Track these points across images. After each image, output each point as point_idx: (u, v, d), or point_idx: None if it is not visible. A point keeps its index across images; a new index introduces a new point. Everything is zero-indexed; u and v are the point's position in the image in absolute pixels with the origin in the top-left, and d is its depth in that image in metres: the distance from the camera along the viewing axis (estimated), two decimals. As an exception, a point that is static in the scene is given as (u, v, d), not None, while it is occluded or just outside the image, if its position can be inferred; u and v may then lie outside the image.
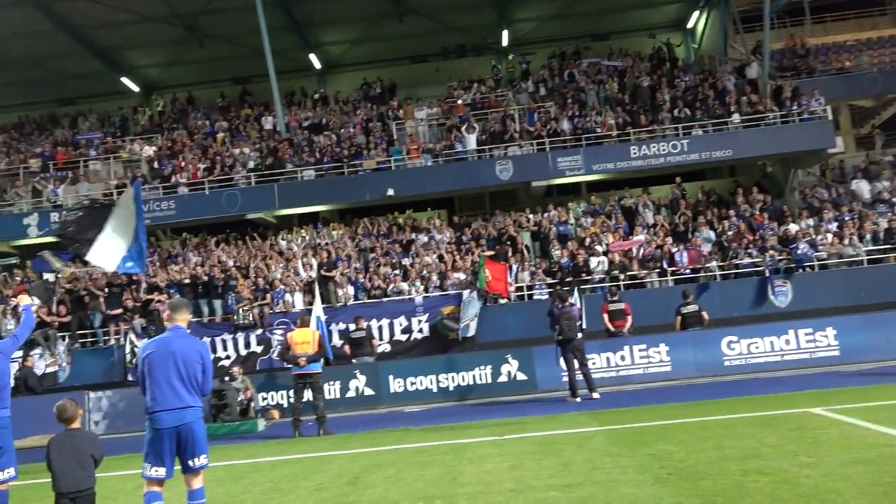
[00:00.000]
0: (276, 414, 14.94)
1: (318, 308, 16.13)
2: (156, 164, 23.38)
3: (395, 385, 15.33)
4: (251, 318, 17.92)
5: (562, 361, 13.44)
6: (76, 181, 22.96)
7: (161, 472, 5.70)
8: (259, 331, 17.95)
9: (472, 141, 22.17)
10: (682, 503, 5.78)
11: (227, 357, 17.92)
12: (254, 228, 23.07)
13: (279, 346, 17.60)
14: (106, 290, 18.76)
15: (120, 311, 18.13)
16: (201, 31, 25.83)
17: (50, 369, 17.89)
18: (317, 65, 28.31)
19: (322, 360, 12.28)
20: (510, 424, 10.97)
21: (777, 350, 14.94)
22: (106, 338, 18.46)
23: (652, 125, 22.13)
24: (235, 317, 18.00)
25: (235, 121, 26.09)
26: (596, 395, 13.04)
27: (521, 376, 15.11)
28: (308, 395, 12.21)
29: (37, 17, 23.77)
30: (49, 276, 20.45)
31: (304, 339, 11.90)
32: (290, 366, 12.26)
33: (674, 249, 18.62)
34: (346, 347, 15.97)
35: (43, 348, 18.08)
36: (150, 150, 24.01)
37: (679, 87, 23.98)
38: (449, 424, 11.68)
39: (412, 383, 15.34)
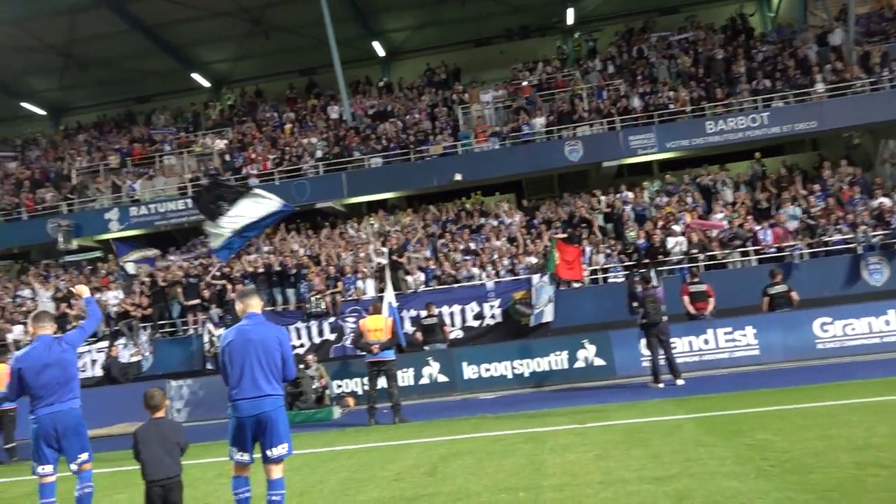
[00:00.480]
0: (350, 401, 14.85)
1: (389, 295, 15.97)
2: (227, 157, 23.65)
3: (469, 372, 15.02)
4: (323, 307, 17.90)
5: (642, 345, 12.85)
6: (152, 176, 23.47)
7: (245, 457, 5.69)
8: (332, 318, 17.92)
9: (539, 122, 21.58)
10: (792, 499, 5.26)
11: (301, 345, 17.96)
12: (323, 218, 23.13)
13: (352, 334, 17.68)
14: (184, 280, 19.03)
15: (197, 301, 18.39)
16: (267, 24, 25.96)
17: (134, 359, 18.31)
18: (380, 52, 28.13)
19: (395, 348, 12.02)
20: (591, 412, 10.51)
21: (876, 332, 13.92)
22: (185, 328, 18.78)
23: (728, 99, 21.06)
24: (308, 305, 18.02)
25: (302, 111, 26.18)
26: (680, 382, 12.42)
27: (598, 362, 14.57)
28: (382, 382, 12.01)
29: (113, 19, 24.30)
30: (129, 267, 20.94)
31: (377, 327, 11.70)
32: (363, 353, 12.06)
33: (757, 228, 17.65)
34: (418, 334, 15.75)
35: (127, 338, 18.52)
36: (221, 144, 24.33)
37: (756, 58, 22.75)
38: (527, 412, 11.29)
39: (486, 370, 15.00)
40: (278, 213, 15.93)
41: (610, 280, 17.87)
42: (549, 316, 16.82)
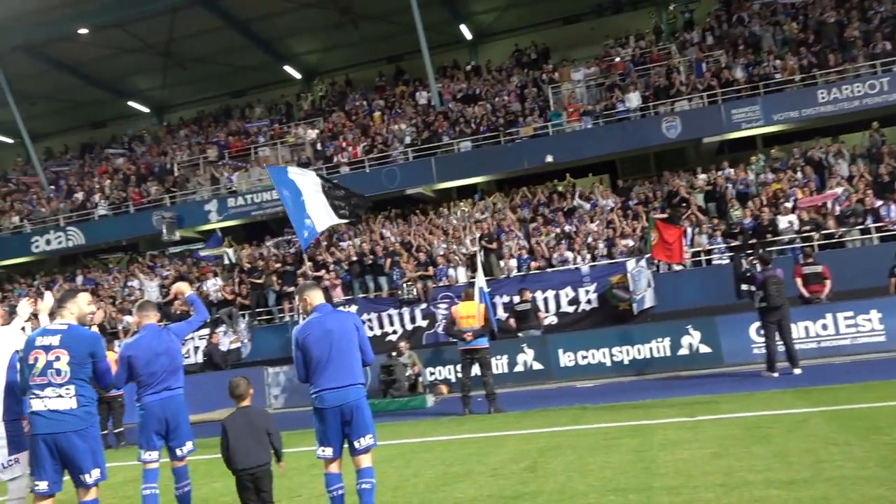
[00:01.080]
0: (444, 389, 14.53)
1: (480, 280, 15.50)
2: (318, 147, 23.76)
3: (566, 359, 14.39)
4: (415, 293, 17.64)
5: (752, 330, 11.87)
6: (248, 168, 23.88)
7: (328, 451, 5.49)
8: (423, 305, 17.64)
9: (634, 99, 20.53)
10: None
11: (394, 332, 17.80)
12: (413, 204, 22.89)
13: (444, 321, 17.34)
14: (279, 268, 19.21)
15: (293, 288, 18.48)
16: (354, 13, 25.88)
17: (233, 346, 18.65)
18: (467, 35, 27.57)
19: (489, 335, 11.55)
20: (700, 403, 9.72)
21: None
22: (281, 315, 18.96)
23: (843, 65, 19.36)
24: (400, 292, 17.82)
25: (391, 99, 26.00)
26: (797, 371, 11.38)
27: (704, 349, 13.63)
28: (476, 370, 11.57)
29: (208, 16, 24.82)
30: (228, 252, 21.34)
31: (470, 313, 11.25)
32: (456, 341, 11.64)
33: (878, 203, 16.13)
34: (512, 321, 15.21)
35: (227, 326, 18.89)
36: (312, 134, 24.46)
37: (874, 20, 20.81)
38: (630, 402, 10.59)
39: (583, 357, 14.32)
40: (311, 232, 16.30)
41: (714, 262, 16.78)
42: (650, 301, 15.96)
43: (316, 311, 5.67)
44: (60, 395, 5.16)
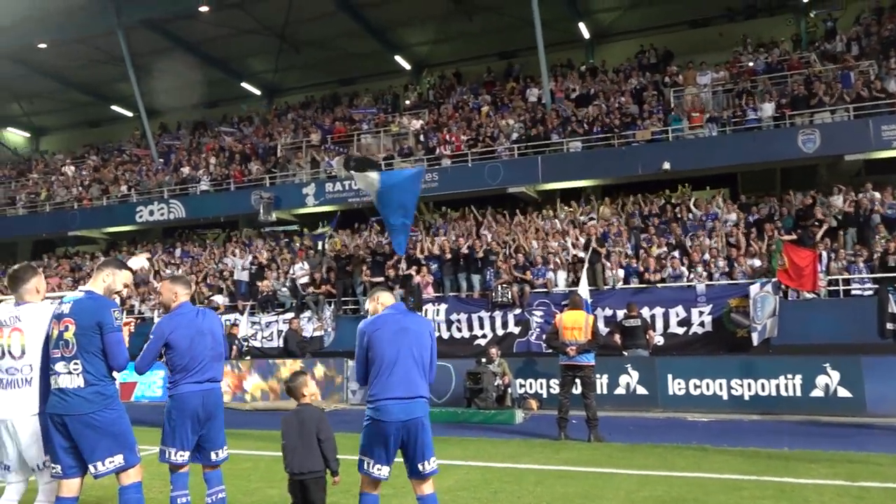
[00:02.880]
0: (534, 404, 12.92)
1: (583, 289, 13.83)
2: (422, 138, 22.61)
3: (675, 386, 12.48)
4: (510, 297, 16.12)
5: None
6: (349, 154, 22.99)
7: (384, 471, 4.72)
8: (518, 310, 16.10)
9: (768, 108, 18.26)
10: None
11: (484, 336, 16.34)
12: (514, 204, 21.34)
13: (538, 330, 15.75)
14: (369, 258, 18.09)
15: (381, 279, 17.33)
16: (470, 4, 24.61)
17: (317, 333, 17.71)
18: (585, 34, 25.76)
19: (595, 351, 9.88)
20: (856, 463, 7.75)
21: None
22: (367, 306, 17.80)
23: None
24: (494, 294, 16.33)
25: (500, 94, 24.56)
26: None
27: (843, 392, 11.44)
28: (576, 389, 9.91)
29: (324, 1, 24.14)
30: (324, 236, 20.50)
31: (576, 324, 9.61)
32: (556, 353, 10.00)
33: None
34: (616, 336, 13.40)
35: (312, 312, 17.95)
36: (417, 124, 23.34)
37: None
38: (760, 449, 8.69)
39: (696, 386, 12.38)
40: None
41: (853, 293, 14.45)
42: (771, 331, 13.83)
43: (390, 308, 4.97)
44: (69, 372, 4.35)
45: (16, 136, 36.15)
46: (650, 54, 23.99)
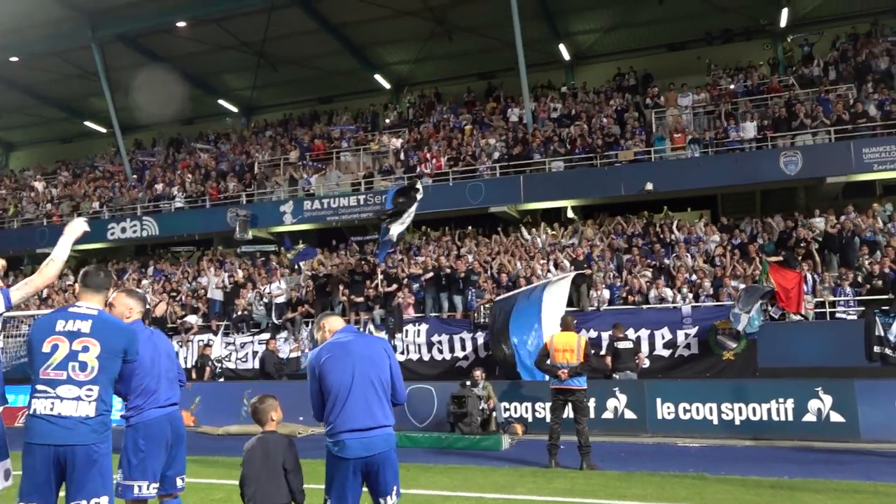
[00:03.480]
0: (519, 429, 12.37)
1: (557, 307, 13.52)
2: (402, 156, 22.18)
3: (664, 410, 12.03)
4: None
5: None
6: (326, 172, 22.49)
7: None
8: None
9: (750, 127, 18.15)
10: None
11: (465, 357, 15.80)
12: (494, 224, 20.93)
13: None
14: (348, 277, 17.51)
15: (361, 299, 16.76)
16: (450, 24, 24.39)
17: (293, 354, 17.02)
18: (565, 56, 25.66)
19: (587, 374, 9.40)
20: (863, 493, 7.34)
21: None
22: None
23: None
24: (476, 314, 15.82)
25: (481, 114, 24.27)
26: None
27: (836, 417, 11.06)
28: (568, 414, 9.41)
29: (303, 18, 23.76)
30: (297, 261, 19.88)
31: (568, 346, 9.14)
32: (547, 378, 9.49)
33: None
34: (608, 359, 12.94)
35: (289, 333, 17.29)
36: (397, 143, 22.92)
37: None
38: (762, 478, 8.24)
39: (685, 410, 11.94)
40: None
41: (838, 315, 14.21)
42: (754, 325, 13.51)
43: (341, 332, 4.52)
44: (79, 398, 3.79)
45: (-16, 152, 35.09)
46: (629, 76, 23.91)
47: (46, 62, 26.18)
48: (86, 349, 3.81)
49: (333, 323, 4.65)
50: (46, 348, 3.82)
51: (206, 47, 25.45)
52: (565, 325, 9.55)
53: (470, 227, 20.73)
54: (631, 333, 14.26)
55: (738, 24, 24.32)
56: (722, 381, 12.55)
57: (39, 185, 27.54)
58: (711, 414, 11.78)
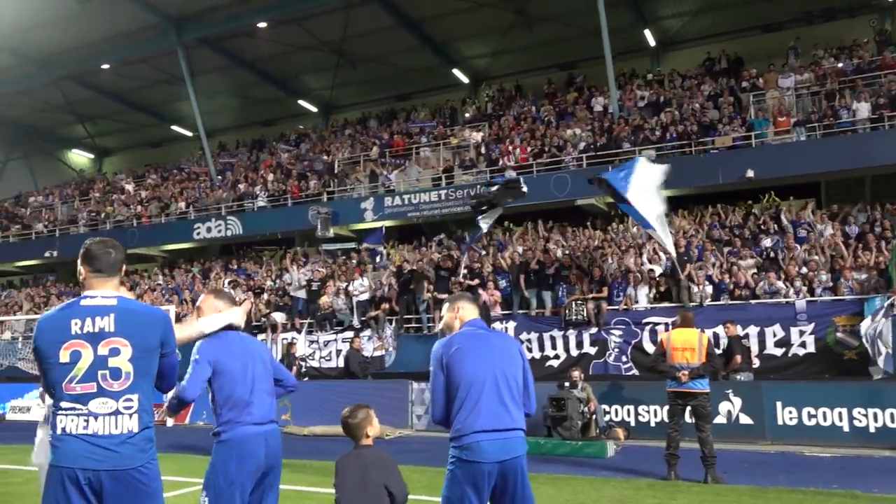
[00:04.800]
0: (621, 434, 11.38)
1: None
2: (483, 150, 21.38)
3: (786, 415, 10.79)
4: (585, 314, 14.60)
5: None
6: (406, 168, 21.94)
7: None
8: (593, 329, 14.55)
9: (863, 108, 16.47)
10: None
11: (556, 357, 14.84)
12: (580, 218, 19.85)
13: (616, 350, 14.22)
14: (433, 273, 16.81)
15: (447, 296, 15.98)
16: (530, 15, 23.43)
17: (377, 353, 16.46)
18: (651, 42, 24.29)
19: (710, 376, 8.33)
20: None
21: None
22: (430, 324, 16.51)
23: None
24: (567, 311, 14.84)
25: (562, 105, 23.21)
26: None
27: None
28: (687, 419, 8.36)
29: (382, 15, 23.28)
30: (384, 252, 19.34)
31: (688, 345, 8.08)
32: (665, 378, 8.42)
33: None
34: (738, 358, 11.72)
35: (372, 331, 16.74)
36: (477, 137, 22.13)
37: None
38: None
39: (811, 415, 10.66)
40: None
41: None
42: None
43: (469, 325, 3.87)
44: (117, 412, 2.96)
45: (80, 158, 36.29)
46: (720, 60, 22.34)
47: (135, 69, 26.67)
48: (115, 352, 2.99)
49: (468, 310, 3.91)
50: (65, 357, 2.96)
51: (286, 48, 25.33)
52: (684, 321, 8.47)
53: (550, 222, 19.72)
54: (738, 331, 12.99)
55: (841, 1, 22.39)
56: (853, 384, 11.18)
57: (129, 187, 28.09)
58: (841, 420, 10.46)
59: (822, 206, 18.36)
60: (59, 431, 2.96)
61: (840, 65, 18.53)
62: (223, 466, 3.73)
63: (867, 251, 14.03)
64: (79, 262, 3.17)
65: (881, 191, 18.43)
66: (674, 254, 13.84)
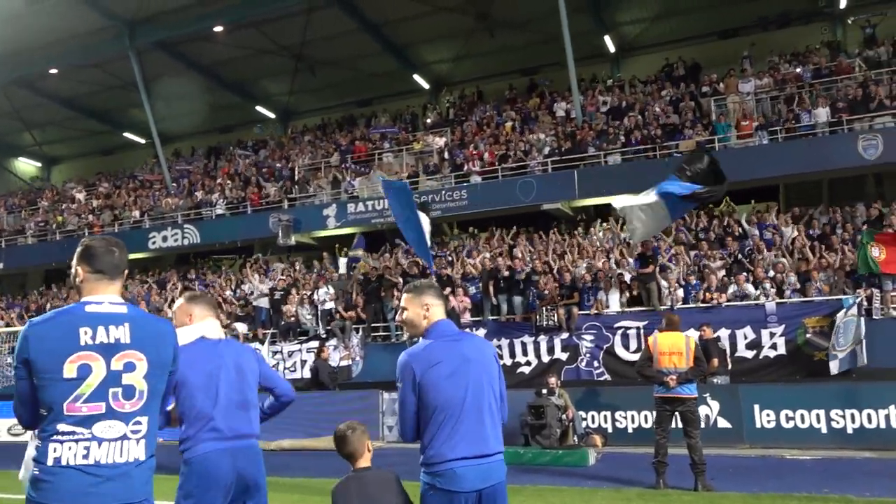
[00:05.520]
0: (598, 441, 11.06)
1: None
2: (447, 155, 21.02)
3: (763, 418, 10.64)
4: (556, 320, 14.33)
5: None
6: (369, 174, 21.44)
7: None
8: (565, 335, 14.27)
9: (822, 112, 16.64)
10: None
11: (528, 363, 14.53)
12: (546, 222, 19.62)
13: (588, 356, 13.97)
14: (400, 280, 16.32)
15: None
16: (492, 20, 23.21)
17: (344, 363, 15.89)
18: (610, 48, 24.32)
19: (698, 380, 8.06)
20: None
21: None
22: (399, 332, 16.01)
23: None
24: (538, 317, 14.54)
25: (524, 111, 23.01)
26: None
27: (969, 423, 9.59)
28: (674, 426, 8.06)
29: (342, 18, 22.75)
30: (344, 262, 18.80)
31: (675, 349, 7.80)
32: (652, 384, 8.11)
33: None
34: (715, 361, 11.52)
35: (338, 340, 16.16)
36: (440, 142, 21.77)
37: None
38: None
39: (788, 418, 10.53)
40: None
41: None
42: (860, 359, 11.91)
43: (439, 331, 3.33)
44: (125, 437, 2.53)
45: (27, 166, 34.66)
46: (678, 66, 22.46)
47: (86, 73, 25.61)
48: (130, 367, 2.56)
49: (436, 309, 3.35)
50: (70, 372, 2.45)
51: (244, 52, 24.59)
52: (670, 324, 8.17)
53: (514, 227, 19.45)
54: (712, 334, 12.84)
55: (796, 8, 22.75)
56: (829, 385, 11.12)
57: (80, 196, 26.89)
58: (819, 422, 10.36)
59: (780, 209, 18.53)
60: (50, 462, 2.44)
61: (798, 70, 18.71)
62: (185, 486, 3.34)
63: (831, 252, 14.09)
64: (75, 261, 2.71)
65: (839, 193, 18.73)
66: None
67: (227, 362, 3.55)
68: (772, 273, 13.92)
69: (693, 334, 12.18)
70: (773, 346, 12.96)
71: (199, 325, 3.59)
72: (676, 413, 7.84)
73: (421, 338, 3.38)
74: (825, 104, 16.77)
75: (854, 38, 21.81)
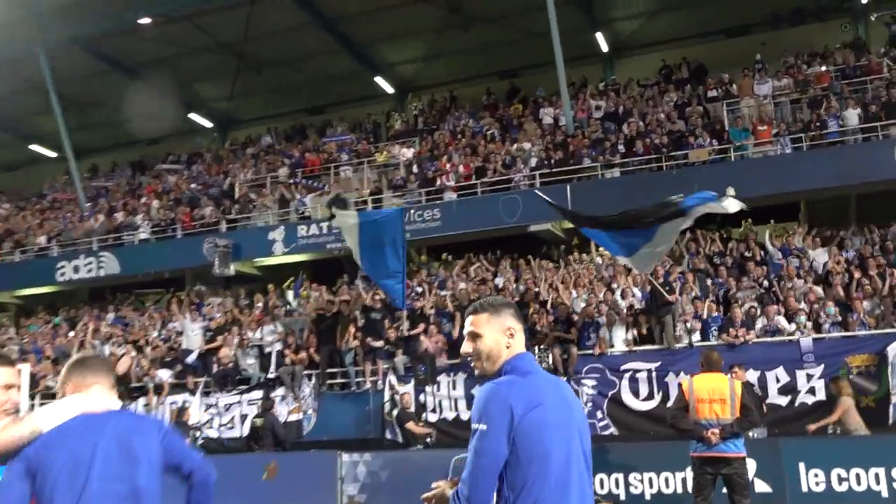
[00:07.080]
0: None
1: None
2: (415, 169, 20.28)
3: (811, 480, 9.81)
4: (550, 361, 13.51)
5: None
6: (323, 192, 20.60)
7: None
8: (562, 379, 13.42)
9: (852, 115, 16.31)
10: None
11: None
12: (534, 246, 18.89)
13: (590, 404, 13.15)
14: (362, 316, 15.38)
15: (380, 343, 14.59)
16: (466, 14, 22.70)
17: (293, 417, 14.87)
18: (603, 48, 23.99)
19: (745, 435, 7.23)
20: None
21: None
22: (359, 379, 14.99)
23: None
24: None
25: (505, 118, 22.46)
26: None
27: None
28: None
29: (292, 11, 22.04)
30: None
31: (717, 395, 6.96)
32: (691, 441, 7.24)
33: None
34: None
35: (287, 389, 15.09)
36: (408, 153, 21.05)
37: None
38: None
39: (841, 479, 9.71)
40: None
41: None
42: None
43: (529, 365, 2.89)
44: None
45: None
46: (681, 67, 22.18)
47: (-17, 75, 24.43)
48: None
49: (520, 337, 2.92)
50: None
51: (176, 49, 23.72)
52: (709, 364, 7.34)
53: (498, 252, 18.70)
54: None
55: (810, 5, 22.72)
56: (890, 438, 10.36)
57: (-27, 220, 25.56)
58: (878, 483, 9.56)
59: (805, 229, 18.08)
60: None
61: (823, 68, 18.46)
62: None
63: (871, 278, 13.55)
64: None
65: (868, 211, 18.34)
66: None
67: (108, 441, 2.94)
68: (802, 304, 13.32)
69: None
70: (812, 391, 12.31)
71: (76, 396, 3.08)
72: (719, 476, 6.97)
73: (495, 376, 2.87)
74: (856, 106, 16.44)
75: (878, 35, 21.80)
